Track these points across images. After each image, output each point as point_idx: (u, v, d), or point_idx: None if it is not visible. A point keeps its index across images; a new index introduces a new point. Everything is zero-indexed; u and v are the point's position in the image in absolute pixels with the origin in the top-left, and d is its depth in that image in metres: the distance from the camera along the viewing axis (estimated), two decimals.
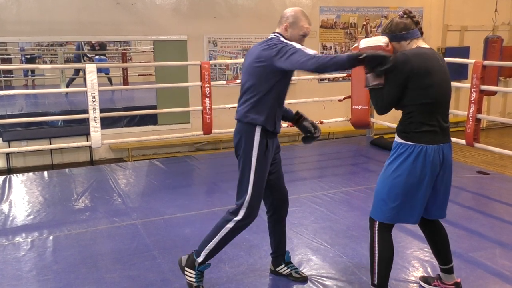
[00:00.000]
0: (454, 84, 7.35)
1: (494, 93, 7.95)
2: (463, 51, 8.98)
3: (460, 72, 8.65)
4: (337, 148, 6.87)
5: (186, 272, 2.93)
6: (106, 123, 6.61)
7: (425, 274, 3.10)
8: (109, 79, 11.11)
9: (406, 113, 2.57)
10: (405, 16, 2.61)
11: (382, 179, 2.63)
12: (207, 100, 6.11)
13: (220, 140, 7.65)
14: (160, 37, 7.30)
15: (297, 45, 2.66)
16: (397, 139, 2.60)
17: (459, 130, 7.88)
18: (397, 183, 2.55)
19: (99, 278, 3.16)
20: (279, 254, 3.13)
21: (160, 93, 7.55)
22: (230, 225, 2.81)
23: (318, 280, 3.10)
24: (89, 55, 10.98)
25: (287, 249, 3.16)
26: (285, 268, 3.12)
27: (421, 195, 2.56)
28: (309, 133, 3.00)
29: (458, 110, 7.96)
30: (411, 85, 2.48)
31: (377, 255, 2.63)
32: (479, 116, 5.56)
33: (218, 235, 2.84)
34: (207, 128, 6.18)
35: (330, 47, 8.47)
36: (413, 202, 2.57)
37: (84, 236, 3.85)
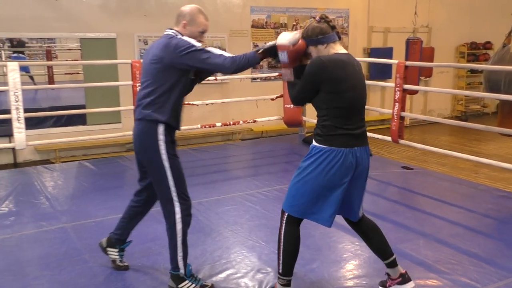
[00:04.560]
0: (379, 83, 7.76)
1: (415, 92, 8.38)
2: (387, 52, 9.40)
3: (385, 71, 9.05)
4: (271, 147, 6.96)
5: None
6: (31, 123, 6.30)
7: (383, 279, 3.02)
8: (31, 77, 10.59)
9: (321, 116, 2.60)
10: (322, 20, 2.66)
11: (295, 175, 2.69)
12: None
13: None
14: (87, 35, 7.06)
15: (208, 48, 2.72)
16: (313, 142, 2.64)
17: (385, 128, 8.25)
18: (306, 181, 2.60)
19: (26, 285, 3.01)
20: (122, 238, 3.16)
21: (89, 92, 7.30)
22: (179, 226, 2.79)
23: (255, 277, 3.13)
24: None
25: (224, 246, 3.16)
26: (115, 252, 3.15)
27: (332, 197, 2.59)
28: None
29: (384, 108, 8.35)
30: (325, 90, 2.53)
31: (282, 247, 2.69)
32: (403, 114, 5.86)
33: (178, 243, 2.80)
34: None
35: None
36: (323, 203, 2.61)
37: (8, 242, 3.65)
